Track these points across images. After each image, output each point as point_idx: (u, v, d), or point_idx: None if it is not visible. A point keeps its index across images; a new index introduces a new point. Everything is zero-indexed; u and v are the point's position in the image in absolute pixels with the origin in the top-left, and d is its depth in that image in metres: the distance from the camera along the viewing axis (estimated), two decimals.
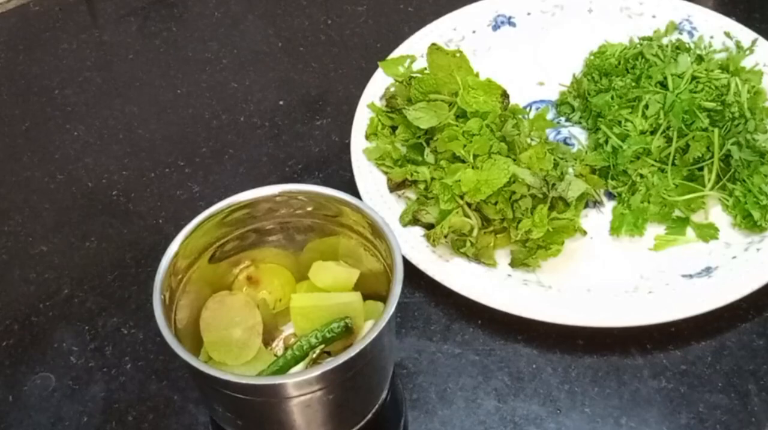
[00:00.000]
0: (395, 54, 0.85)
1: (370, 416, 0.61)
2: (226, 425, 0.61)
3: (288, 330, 0.65)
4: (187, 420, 0.65)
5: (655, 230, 0.74)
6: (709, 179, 0.74)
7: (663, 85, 0.78)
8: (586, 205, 0.75)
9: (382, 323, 0.55)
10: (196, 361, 0.54)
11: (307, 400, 0.55)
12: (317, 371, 0.53)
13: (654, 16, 0.89)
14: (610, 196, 0.76)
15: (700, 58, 0.81)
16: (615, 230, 0.73)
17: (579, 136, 0.81)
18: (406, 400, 0.65)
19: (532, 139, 0.76)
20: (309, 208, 0.63)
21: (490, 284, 0.69)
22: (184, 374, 0.67)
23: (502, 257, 0.72)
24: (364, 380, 0.58)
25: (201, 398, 0.65)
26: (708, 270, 0.70)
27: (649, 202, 0.74)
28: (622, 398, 0.65)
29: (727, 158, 0.74)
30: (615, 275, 0.71)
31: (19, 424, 0.66)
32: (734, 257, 0.71)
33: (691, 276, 0.70)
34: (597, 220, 0.75)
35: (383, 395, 0.62)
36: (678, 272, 0.71)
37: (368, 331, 0.54)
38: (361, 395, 0.60)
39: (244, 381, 0.53)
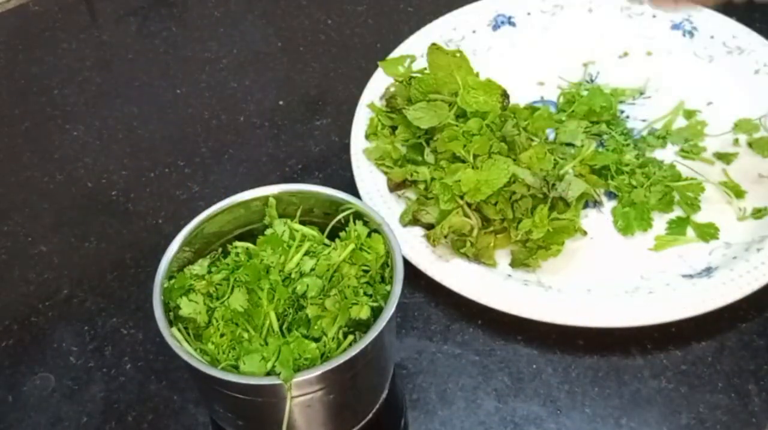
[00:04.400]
0: (395, 54, 0.85)
1: (370, 416, 0.61)
2: (226, 425, 0.60)
3: None
4: (187, 420, 0.65)
5: (655, 231, 0.74)
6: None
7: None
8: (586, 205, 0.75)
9: (382, 323, 0.54)
10: (197, 361, 0.54)
11: (307, 400, 0.55)
12: (317, 371, 0.53)
13: (654, 16, 0.89)
14: (610, 196, 0.76)
15: None
16: (624, 229, 0.73)
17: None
18: (406, 400, 0.65)
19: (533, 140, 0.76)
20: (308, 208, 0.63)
21: (490, 284, 0.69)
22: (184, 374, 0.67)
23: (502, 257, 0.72)
24: (364, 380, 0.58)
25: (201, 398, 0.64)
26: (708, 270, 0.70)
27: (650, 191, 0.74)
28: (622, 399, 0.65)
29: None
30: (615, 275, 0.71)
31: (19, 424, 0.66)
32: (734, 257, 0.71)
33: (691, 276, 0.70)
34: (597, 220, 0.75)
35: (383, 395, 0.62)
36: (678, 272, 0.71)
37: (368, 331, 0.54)
38: (361, 395, 0.60)
39: (244, 381, 0.53)
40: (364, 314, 0.57)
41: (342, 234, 0.61)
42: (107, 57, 0.95)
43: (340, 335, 0.57)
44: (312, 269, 0.58)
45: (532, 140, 0.76)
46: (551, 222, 0.70)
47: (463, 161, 0.72)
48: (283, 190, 0.62)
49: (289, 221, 0.62)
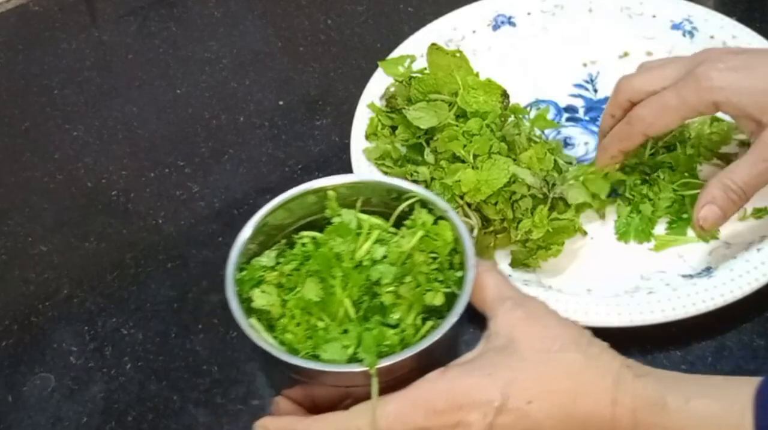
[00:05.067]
0: (395, 54, 0.85)
1: None
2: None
3: None
4: (186, 420, 0.65)
5: (655, 230, 0.74)
6: None
7: None
8: None
9: (461, 308, 0.55)
10: (278, 351, 0.53)
11: (390, 386, 0.54)
12: (402, 356, 0.53)
13: (654, 16, 0.89)
14: (611, 194, 0.76)
15: None
16: (623, 235, 0.73)
17: (579, 136, 0.81)
18: None
19: (539, 132, 0.76)
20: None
21: None
22: (184, 374, 0.68)
23: (503, 257, 0.72)
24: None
25: (273, 391, 0.62)
26: (708, 270, 0.70)
27: (659, 198, 0.74)
28: None
29: None
30: (615, 275, 0.71)
31: (19, 424, 0.66)
32: (734, 257, 0.71)
33: (691, 276, 0.70)
34: (597, 220, 0.75)
35: None
36: (678, 272, 0.71)
37: (448, 316, 0.55)
38: None
39: (329, 369, 0.53)
40: (438, 300, 0.57)
41: (407, 222, 0.60)
42: (107, 57, 0.95)
43: (418, 321, 0.57)
44: (384, 257, 0.58)
45: (532, 140, 0.76)
46: (551, 222, 0.70)
47: (463, 161, 0.72)
48: (344, 182, 0.62)
49: (355, 210, 0.61)
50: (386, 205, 0.62)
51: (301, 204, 0.62)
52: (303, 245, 0.60)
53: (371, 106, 0.81)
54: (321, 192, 0.62)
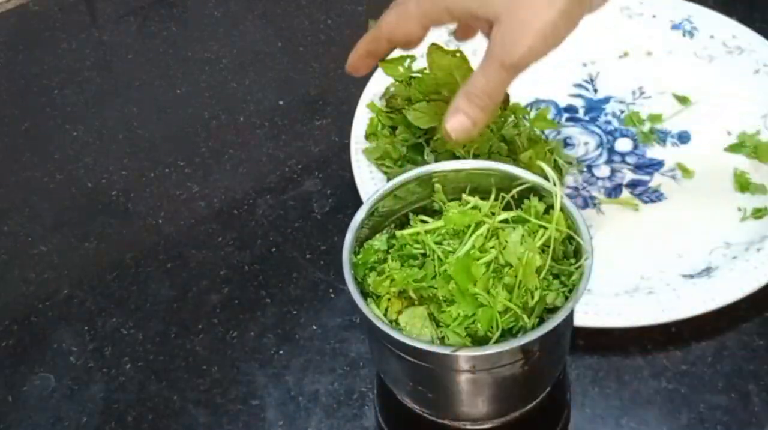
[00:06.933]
0: (395, 54, 0.85)
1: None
2: (416, 402, 0.60)
3: None
4: (186, 421, 0.65)
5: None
6: None
7: None
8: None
9: (573, 303, 0.54)
10: (404, 336, 0.53)
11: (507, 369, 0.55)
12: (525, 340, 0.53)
13: (654, 16, 0.89)
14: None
15: None
16: None
17: (579, 136, 0.81)
18: None
19: (539, 132, 0.76)
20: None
21: None
22: (184, 374, 0.67)
23: None
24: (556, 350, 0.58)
25: (391, 376, 0.61)
26: (708, 270, 0.70)
27: None
28: (622, 399, 0.65)
29: None
30: (615, 275, 0.71)
31: (19, 424, 0.66)
32: (734, 257, 0.71)
33: (691, 276, 0.70)
34: (597, 220, 0.75)
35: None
36: (678, 272, 0.71)
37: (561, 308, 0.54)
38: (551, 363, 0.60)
39: (481, 352, 0.53)
40: (560, 301, 0.56)
41: (514, 214, 0.59)
42: (107, 57, 0.95)
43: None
44: (492, 248, 0.57)
45: (532, 140, 0.76)
46: None
47: None
48: (453, 168, 0.62)
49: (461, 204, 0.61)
50: (496, 190, 0.61)
51: (409, 190, 0.62)
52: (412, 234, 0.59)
53: (371, 106, 0.81)
54: (429, 179, 0.62)
